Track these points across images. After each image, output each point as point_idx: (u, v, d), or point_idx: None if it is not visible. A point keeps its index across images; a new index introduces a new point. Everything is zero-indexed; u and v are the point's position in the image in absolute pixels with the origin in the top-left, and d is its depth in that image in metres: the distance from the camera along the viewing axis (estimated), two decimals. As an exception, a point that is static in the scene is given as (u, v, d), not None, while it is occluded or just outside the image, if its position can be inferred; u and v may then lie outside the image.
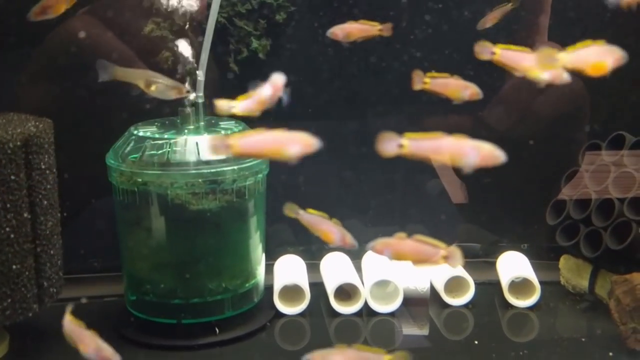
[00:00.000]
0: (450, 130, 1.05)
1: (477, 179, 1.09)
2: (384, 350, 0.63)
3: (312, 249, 1.07)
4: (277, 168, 0.92)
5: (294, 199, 1.06)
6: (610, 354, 0.81)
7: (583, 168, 0.97)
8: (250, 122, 0.91)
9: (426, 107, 1.04)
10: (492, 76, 1.03)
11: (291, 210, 0.76)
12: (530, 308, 0.93)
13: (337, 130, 1.06)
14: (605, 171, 0.93)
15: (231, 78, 0.99)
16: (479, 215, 1.11)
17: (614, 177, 0.92)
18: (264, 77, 0.99)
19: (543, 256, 1.04)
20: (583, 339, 0.86)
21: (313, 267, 0.99)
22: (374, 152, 1.07)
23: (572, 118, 1.02)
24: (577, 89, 1.01)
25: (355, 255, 1.03)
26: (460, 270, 0.95)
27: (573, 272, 0.97)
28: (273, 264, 0.99)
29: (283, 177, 1.03)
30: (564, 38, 1.02)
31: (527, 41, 1.03)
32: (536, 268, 0.96)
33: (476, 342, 0.85)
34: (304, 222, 0.75)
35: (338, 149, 1.07)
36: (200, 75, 0.83)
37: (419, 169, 1.09)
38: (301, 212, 0.75)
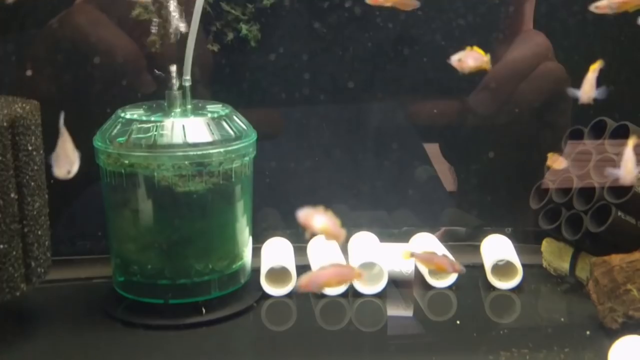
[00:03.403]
0: (438, 114, 1.06)
1: (465, 166, 1.11)
2: None
3: (299, 232, 1.08)
4: (266, 152, 0.93)
5: (283, 183, 1.08)
6: (588, 332, 0.83)
7: (566, 154, 0.99)
8: (236, 105, 0.92)
9: (415, 92, 1.05)
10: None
11: (406, 254, 0.86)
12: (513, 290, 0.95)
13: (327, 115, 1.07)
14: (587, 157, 0.94)
15: (222, 62, 0.99)
16: (465, 200, 1.12)
17: (595, 162, 0.93)
18: (252, 62, 1.00)
19: (526, 239, 1.05)
20: (562, 319, 0.88)
21: (300, 250, 1.01)
22: (364, 137, 1.08)
23: (555, 102, 1.03)
24: (558, 74, 1.02)
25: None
26: (445, 254, 0.96)
27: (555, 255, 0.99)
28: (261, 247, 1.00)
29: (272, 164, 1.04)
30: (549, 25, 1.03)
31: (513, 29, 1.03)
32: (519, 251, 0.97)
33: (458, 322, 0.86)
34: (420, 260, 0.86)
35: (328, 133, 1.08)
36: (188, 58, 0.84)
37: (408, 154, 1.10)
38: (416, 252, 0.86)
